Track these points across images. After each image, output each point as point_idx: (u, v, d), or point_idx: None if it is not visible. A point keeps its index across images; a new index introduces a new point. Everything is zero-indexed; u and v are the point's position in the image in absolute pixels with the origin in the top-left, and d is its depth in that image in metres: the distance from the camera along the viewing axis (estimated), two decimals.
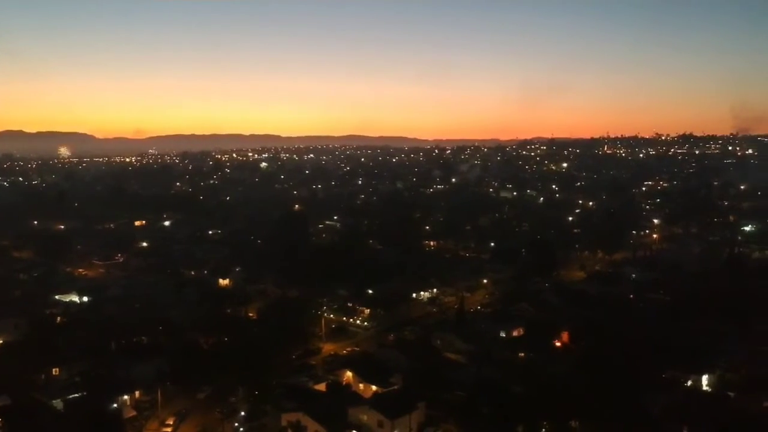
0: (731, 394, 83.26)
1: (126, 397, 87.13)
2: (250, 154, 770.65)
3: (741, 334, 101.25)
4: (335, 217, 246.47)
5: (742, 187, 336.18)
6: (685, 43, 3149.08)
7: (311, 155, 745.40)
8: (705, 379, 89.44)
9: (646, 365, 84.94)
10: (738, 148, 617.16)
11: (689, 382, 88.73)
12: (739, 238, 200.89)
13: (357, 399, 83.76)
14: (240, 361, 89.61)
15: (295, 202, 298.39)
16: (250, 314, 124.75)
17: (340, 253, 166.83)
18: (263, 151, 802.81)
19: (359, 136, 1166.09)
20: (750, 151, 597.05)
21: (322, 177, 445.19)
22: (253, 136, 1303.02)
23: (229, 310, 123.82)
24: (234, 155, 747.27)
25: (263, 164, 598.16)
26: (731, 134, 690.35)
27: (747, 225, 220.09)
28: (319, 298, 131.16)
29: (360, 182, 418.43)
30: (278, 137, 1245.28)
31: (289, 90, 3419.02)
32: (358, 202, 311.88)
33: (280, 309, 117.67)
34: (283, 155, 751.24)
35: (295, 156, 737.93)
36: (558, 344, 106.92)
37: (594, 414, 73.06)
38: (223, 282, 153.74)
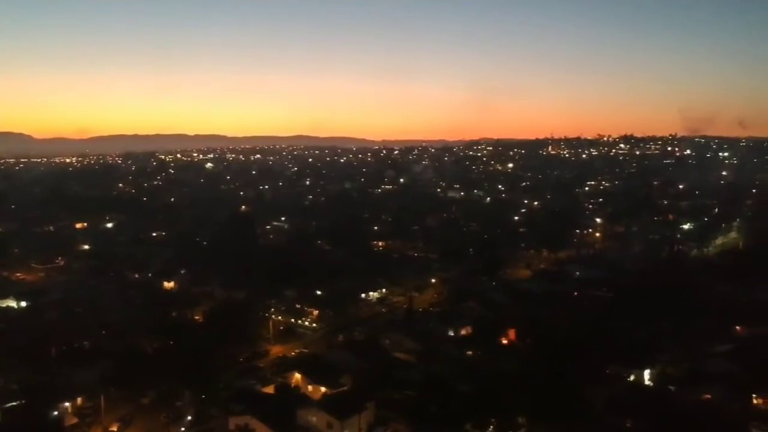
0: (672, 387, 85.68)
1: (67, 404, 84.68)
2: (195, 154, 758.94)
3: (680, 329, 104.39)
4: (283, 218, 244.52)
5: (680, 186, 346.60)
6: (627, 46, 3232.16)
7: (258, 156, 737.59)
8: (647, 374, 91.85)
9: (590, 361, 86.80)
10: (677, 149, 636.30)
11: (631, 377, 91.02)
12: (678, 236, 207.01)
13: (306, 401, 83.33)
14: (186, 365, 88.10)
15: (242, 203, 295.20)
16: (196, 317, 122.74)
17: (287, 254, 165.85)
18: (209, 151, 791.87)
19: (307, 136, 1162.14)
20: (688, 151, 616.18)
21: (269, 178, 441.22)
22: (198, 137, 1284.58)
23: (174, 313, 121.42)
24: (179, 156, 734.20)
25: (209, 165, 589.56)
26: (671, 135, 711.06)
27: (685, 223, 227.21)
28: (266, 299, 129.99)
29: (308, 183, 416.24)
30: (224, 137, 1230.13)
31: (235, 90, 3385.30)
32: (306, 202, 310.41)
33: (227, 311, 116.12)
34: (229, 156, 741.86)
35: (241, 156, 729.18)
36: (505, 342, 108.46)
37: (540, 409, 74.27)
38: (168, 284, 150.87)
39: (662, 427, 71.19)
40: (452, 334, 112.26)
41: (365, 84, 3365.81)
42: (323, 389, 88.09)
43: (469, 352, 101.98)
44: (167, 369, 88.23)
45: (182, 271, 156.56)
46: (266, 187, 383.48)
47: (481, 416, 74.58)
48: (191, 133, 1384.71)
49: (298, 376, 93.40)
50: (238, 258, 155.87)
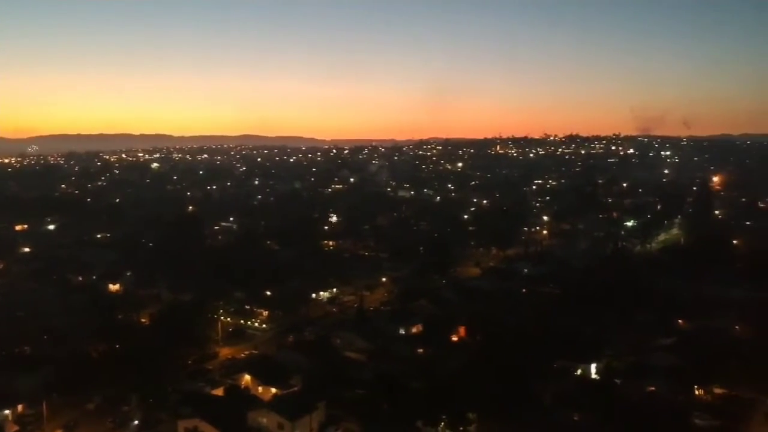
0: (617, 381, 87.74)
1: (7, 411, 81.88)
2: (141, 154, 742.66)
3: (625, 323, 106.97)
4: (231, 219, 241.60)
5: (624, 184, 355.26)
6: (572, 48, 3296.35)
7: (205, 155, 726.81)
8: (593, 368, 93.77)
9: (538, 356, 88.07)
10: (620, 148, 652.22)
11: (578, 371, 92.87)
12: (622, 233, 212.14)
13: (256, 402, 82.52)
14: (133, 369, 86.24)
15: (189, 203, 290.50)
16: (143, 320, 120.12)
17: (236, 254, 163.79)
18: (154, 151, 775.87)
19: (255, 135, 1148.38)
20: (631, 150, 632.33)
21: (217, 177, 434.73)
22: (143, 136, 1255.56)
23: (120, 316, 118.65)
24: (123, 156, 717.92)
25: (154, 165, 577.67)
26: (614, 135, 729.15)
27: (629, 220, 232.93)
28: (215, 301, 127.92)
29: (257, 183, 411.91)
30: (170, 137, 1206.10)
31: (181, 88, 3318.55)
32: (255, 202, 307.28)
33: (175, 313, 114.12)
34: (175, 155, 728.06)
35: (188, 156, 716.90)
36: (455, 339, 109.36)
37: (490, 405, 75.08)
38: (114, 287, 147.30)
39: (609, 419, 72.77)
40: (403, 333, 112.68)
41: (314, 84, 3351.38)
42: (274, 390, 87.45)
43: (420, 350, 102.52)
44: (113, 373, 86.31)
45: (128, 274, 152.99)
46: (214, 187, 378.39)
47: (433, 413, 75.05)
48: (136, 132, 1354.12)
49: (247, 377, 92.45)
50: (186, 259, 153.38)
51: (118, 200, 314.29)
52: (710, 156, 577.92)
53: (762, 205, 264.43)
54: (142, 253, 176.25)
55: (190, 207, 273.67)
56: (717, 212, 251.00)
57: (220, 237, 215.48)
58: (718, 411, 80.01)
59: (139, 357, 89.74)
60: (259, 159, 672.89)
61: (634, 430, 68.18)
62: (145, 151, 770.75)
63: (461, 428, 75.01)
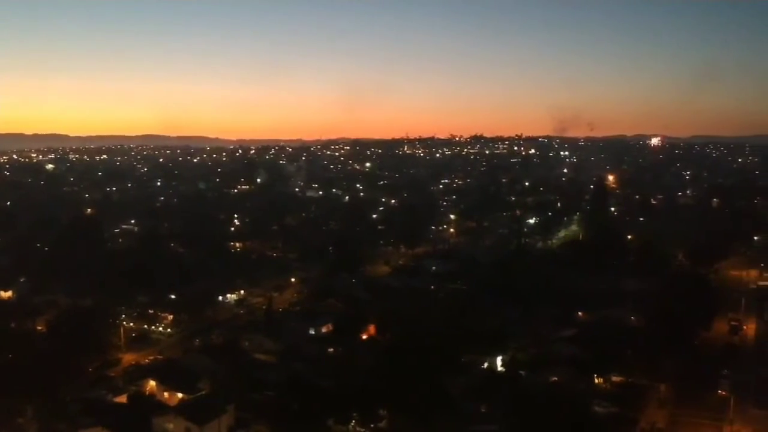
0: (522, 372, 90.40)
1: None
2: (34, 154, 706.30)
3: (528, 317, 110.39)
4: (133, 221, 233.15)
5: (526, 183, 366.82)
6: (476, 49, 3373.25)
7: (104, 156, 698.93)
8: (499, 361, 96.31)
9: (447, 351, 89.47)
10: (522, 149, 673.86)
11: (485, 364, 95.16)
12: (525, 229, 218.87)
13: (162, 408, 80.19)
14: (28, 378, 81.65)
15: (87, 205, 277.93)
16: (39, 327, 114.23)
17: (138, 257, 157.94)
18: (49, 151, 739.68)
19: (157, 135, 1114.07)
20: (532, 151, 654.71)
21: (117, 179, 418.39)
22: (36, 136, 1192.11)
23: (13, 324, 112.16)
24: (14, 156, 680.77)
25: (49, 166, 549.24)
26: (516, 136, 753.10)
27: (531, 218, 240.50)
28: (116, 306, 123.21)
29: (159, 184, 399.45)
30: (66, 137, 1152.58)
31: (78, 87, 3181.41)
32: (158, 204, 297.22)
33: (73, 320, 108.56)
34: (72, 156, 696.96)
35: (85, 157, 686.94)
36: (365, 337, 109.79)
37: (400, 401, 75.73)
38: (5, 294, 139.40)
39: (514, 409, 74.74)
40: (313, 333, 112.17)
41: (220, 83, 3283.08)
42: (180, 395, 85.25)
43: (331, 350, 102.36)
44: (6, 384, 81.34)
45: (21, 279, 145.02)
46: (114, 188, 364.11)
47: (343, 411, 75.03)
48: (29, 132, 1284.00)
49: (152, 383, 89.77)
50: (84, 263, 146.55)
51: (8, 203, 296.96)
52: (606, 156, 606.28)
53: (654, 202, 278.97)
54: (37, 258, 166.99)
55: (89, 209, 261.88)
56: (612, 209, 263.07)
57: (121, 240, 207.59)
58: (616, 398, 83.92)
59: (35, 366, 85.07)
60: (161, 159, 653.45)
61: (538, 420, 70.26)
62: (38, 152, 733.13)
63: (372, 425, 75.44)
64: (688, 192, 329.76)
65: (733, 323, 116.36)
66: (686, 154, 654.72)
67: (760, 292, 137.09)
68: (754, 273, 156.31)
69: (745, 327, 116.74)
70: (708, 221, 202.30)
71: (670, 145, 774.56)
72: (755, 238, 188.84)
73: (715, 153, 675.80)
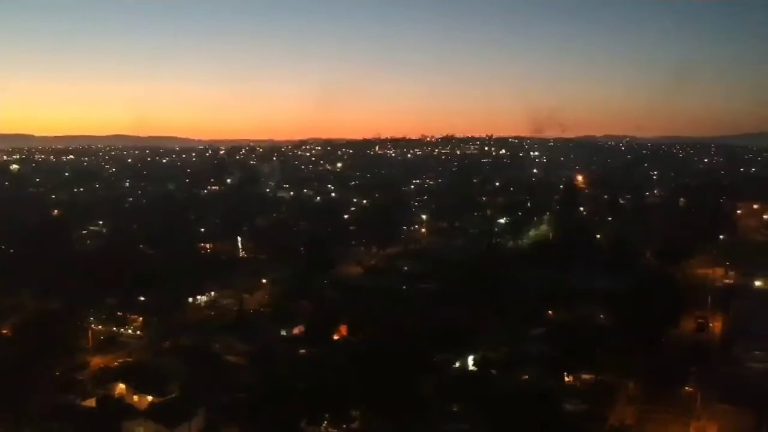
0: (493, 371, 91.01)
1: None
2: None
3: (500, 316, 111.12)
4: (101, 222, 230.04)
5: (497, 184, 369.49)
6: (446, 50, 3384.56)
7: (71, 156, 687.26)
8: (470, 360, 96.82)
9: (419, 350, 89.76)
10: (493, 149, 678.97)
11: (457, 364, 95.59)
12: (496, 229, 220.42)
13: (131, 411, 79.34)
14: None
15: (54, 206, 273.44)
16: (4, 331, 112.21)
17: (107, 259, 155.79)
18: (13, 152, 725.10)
19: (126, 136, 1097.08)
20: (503, 151, 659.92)
21: (84, 179, 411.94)
22: (0, 136, 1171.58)
23: None
24: None
25: (13, 166, 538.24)
26: (487, 136, 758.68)
27: (502, 218, 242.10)
28: (84, 308, 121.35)
29: (128, 184, 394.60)
30: (31, 137, 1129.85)
31: (43, 86, 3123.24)
32: (127, 205, 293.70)
33: (40, 323, 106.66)
34: (38, 156, 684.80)
35: (52, 157, 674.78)
36: (337, 337, 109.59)
37: (372, 401, 75.81)
38: None
39: (486, 408, 75.22)
40: (285, 334, 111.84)
41: (190, 83, 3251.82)
42: (150, 398, 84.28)
43: (303, 351, 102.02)
44: None
45: None
46: (81, 189, 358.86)
47: (315, 412, 74.83)
48: None
49: (122, 386, 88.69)
50: (51, 265, 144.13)
51: None
52: (576, 156, 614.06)
53: (622, 202, 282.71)
54: (1, 260, 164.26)
55: (55, 210, 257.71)
56: (582, 209, 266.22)
57: (88, 241, 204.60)
58: (585, 396, 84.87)
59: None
60: (130, 160, 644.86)
61: (509, 418, 70.82)
62: (2, 152, 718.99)
63: (344, 426, 75.38)
64: (655, 192, 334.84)
65: (699, 320, 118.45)
66: (654, 154, 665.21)
67: (726, 290, 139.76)
68: (720, 271, 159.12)
69: (711, 324, 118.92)
70: (675, 220, 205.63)
71: (638, 146, 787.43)
72: (721, 237, 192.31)
73: (681, 153, 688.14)
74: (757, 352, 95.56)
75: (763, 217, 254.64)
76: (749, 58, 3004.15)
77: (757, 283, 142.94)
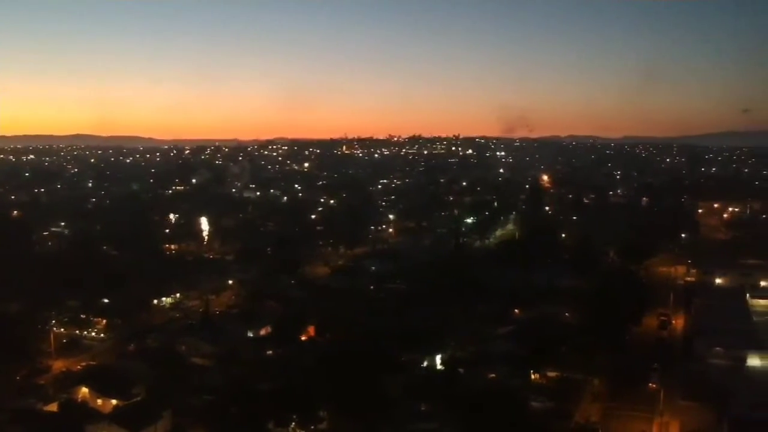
0: (460, 370, 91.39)
1: None
2: None
3: (467, 315, 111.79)
4: (63, 223, 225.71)
5: (464, 183, 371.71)
6: (413, 50, 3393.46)
7: (31, 156, 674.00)
8: (438, 359, 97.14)
9: (386, 350, 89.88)
10: (460, 149, 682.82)
11: (425, 363, 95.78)
12: (463, 229, 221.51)
13: (95, 415, 77.89)
14: None
15: (13, 207, 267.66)
16: None
17: (69, 261, 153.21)
18: None
19: (88, 135, 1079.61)
20: (470, 151, 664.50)
21: (45, 180, 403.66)
22: None
23: None
24: None
25: None
26: (454, 136, 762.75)
27: (469, 217, 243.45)
28: (46, 311, 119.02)
29: (90, 185, 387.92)
30: None
31: (0, 86, 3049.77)
32: (89, 206, 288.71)
33: None
34: None
35: (11, 157, 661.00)
36: (305, 338, 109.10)
37: (340, 401, 75.66)
38: None
39: (453, 407, 75.53)
40: (252, 335, 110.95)
41: (153, 82, 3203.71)
42: (114, 402, 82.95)
43: (270, 352, 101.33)
44: None
45: None
46: (42, 189, 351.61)
47: (283, 413, 74.40)
48: None
49: (85, 390, 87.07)
50: (11, 267, 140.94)
51: None
52: (541, 156, 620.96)
53: (586, 201, 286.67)
54: None
55: (15, 211, 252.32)
56: (547, 208, 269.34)
57: (50, 243, 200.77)
58: (552, 393, 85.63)
59: None
60: (92, 160, 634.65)
61: (477, 416, 71.21)
62: None
63: (312, 426, 75.08)
64: (619, 191, 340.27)
65: (662, 318, 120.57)
66: (617, 154, 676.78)
67: (687, 288, 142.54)
68: (681, 269, 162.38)
69: (673, 321, 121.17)
70: (638, 220, 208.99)
71: (601, 146, 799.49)
72: (683, 235, 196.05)
73: (644, 153, 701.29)
74: (718, 349, 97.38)
75: (723, 216, 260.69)
76: (711, 60, 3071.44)
77: (718, 281, 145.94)
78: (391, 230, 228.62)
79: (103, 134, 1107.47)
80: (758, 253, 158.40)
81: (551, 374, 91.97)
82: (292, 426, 74.85)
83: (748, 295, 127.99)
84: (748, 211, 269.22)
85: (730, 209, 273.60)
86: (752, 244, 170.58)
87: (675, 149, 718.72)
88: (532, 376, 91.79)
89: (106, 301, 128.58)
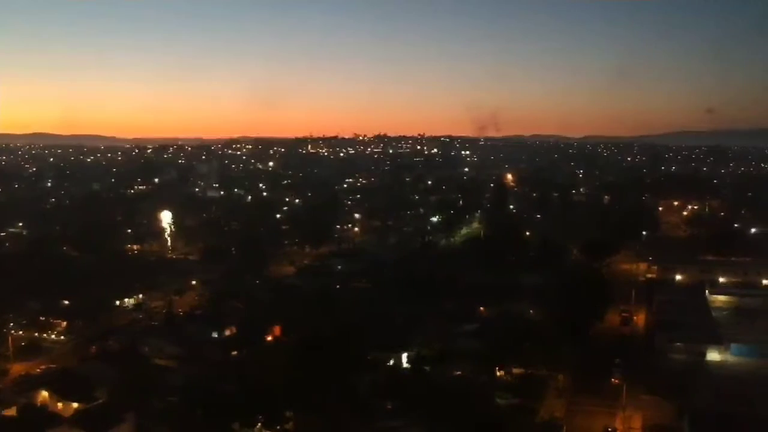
0: (426, 368, 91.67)
1: None
2: None
3: (433, 313, 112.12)
4: (21, 224, 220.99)
5: (429, 182, 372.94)
6: (379, 49, 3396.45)
7: None
8: (404, 357, 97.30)
9: (353, 349, 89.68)
10: (425, 148, 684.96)
11: (391, 362, 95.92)
12: (429, 227, 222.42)
13: (56, 419, 76.43)
14: None
15: None
16: None
17: (28, 262, 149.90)
18: None
19: (48, 134, 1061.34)
20: (435, 150, 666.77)
21: (2, 179, 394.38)
22: None
23: None
24: None
25: None
26: (419, 135, 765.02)
27: (434, 216, 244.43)
28: (3, 314, 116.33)
29: (50, 184, 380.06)
30: None
31: None
32: (49, 206, 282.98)
33: None
34: None
35: None
36: (270, 338, 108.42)
37: (306, 401, 75.30)
38: None
39: (419, 405, 75.70)
40: (216, 336, 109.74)
41: (115, 80, 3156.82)
42: (75, 405, 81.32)
43: (235, 352, 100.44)
44: None
45: None
46: None
47: (248, 414, 73.80)
48: None
49: (45, 393, 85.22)
50: None
51: None
52: (505, 155, 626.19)
53: (550, 199, 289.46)
54: None
55: None
56: (511, 206, 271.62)
57: (7, 244, 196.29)
58: (517, 389, 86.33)
59: None
60: (52, 159, 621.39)
61: (443, 414, 71.46)
62: None
63: (278, 426, 74.58)
64: (581, 190, 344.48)
65: (624, 314, 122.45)
66: (579, 153, 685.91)
67: (648, 284, 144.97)
68: (643, 266, 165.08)
69: (635, 317, 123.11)
70: (600, 218, 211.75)
71: (564, 145, 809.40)
72: (644, 233, 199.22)
73: (606, 152, 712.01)
74: (679, 344, 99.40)
75: (683, 214, 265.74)
76: (670, 61, 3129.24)
77: (678, 277, 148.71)
78: (357, 229, 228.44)
79: (63, 133, 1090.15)
80: (716, 250, 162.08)
81: (516, 371, 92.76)
82: (258, 427, 74.30)
83: (707, 290, 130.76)
84: (706, 209, 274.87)
85: (690, 207, 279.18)
86: (711, 240, 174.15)
87: (636, 148, 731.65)
88: (498, 373, 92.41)
89: (66, 302, 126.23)
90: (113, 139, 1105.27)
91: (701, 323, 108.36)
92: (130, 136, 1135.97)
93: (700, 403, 75.44)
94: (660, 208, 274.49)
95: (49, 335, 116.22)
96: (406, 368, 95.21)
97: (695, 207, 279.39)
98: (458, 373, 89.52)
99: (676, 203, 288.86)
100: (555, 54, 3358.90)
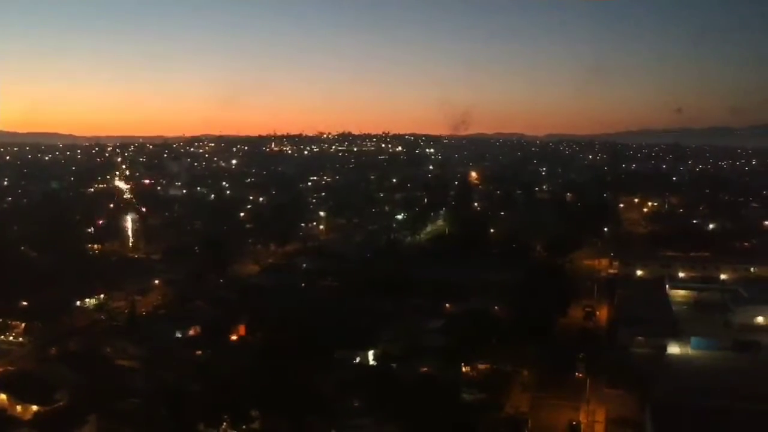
0: (393, 365, 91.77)
1: None
2: None
3: (399, 310, 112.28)
4: None
5: (394, 180, 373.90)
6: (345, 46, 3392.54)
7: None
8: (371, 355, 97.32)
9: (319, 348, 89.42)
10: (390, 146, 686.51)
11: (357, 359, 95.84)
12: (394, 225, 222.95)
13: (14, 422, 74.83)
14: None
15: None
16: None
17: None
18: None
19: (2, 132, 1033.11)
20: (399, 148, 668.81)
21: None
22: None
23: None
24: None
25: None
26: (384, 133, 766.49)
27: (400, 214, 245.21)
28: None
29: (6, 183, 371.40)
30: None
31: None
32: (5, 205, 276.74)
33: None
34: None
35: None
36: (235, 338, 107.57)
37: (272, 400, 74.82)
38: None
39: (386, 402, 75.74)
40: (180, 336, 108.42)
41: (74, 76, 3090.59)
42: (35, 408, 79.59)
43: (199, 352, 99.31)
44: None
45: None
46: None
47: (213, 414, 73.10)
48: None
49: (2, 396, 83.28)
50: None
51: None
52: (469, 153, 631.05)
53: (514, 197, 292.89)
54: None
55: None
56: (476, 204, 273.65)
57: None
58: (482, 385, 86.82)
59: None
60: (8, 157, 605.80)
61: (409, 410, 71.60)
62: None
63: (244, 427, 73.97)
64: (544, 187, 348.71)
65: (587, 309, 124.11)
66: (542, 151, 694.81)
67: (610, 280, 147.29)
68: (604, 262, 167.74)
69: (597, 312, 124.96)
70: (563, 215, 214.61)
71: (527, 143, 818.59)
72: (605, 229, 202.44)
73: (568, 150, 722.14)
74: (640, 338, 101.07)
75: (643, 210, 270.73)
76: (632, 60, 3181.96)
77: (639, 273, 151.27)
78: (322, 227, 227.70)
79: (20, 131, 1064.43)
80: (676, 245, 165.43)
81: (482, 366, 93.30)
82: (223, 426, 73.62)
83: (667, 285, 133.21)
84: (666, 205, 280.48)
85: (650, 203, 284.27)
86: (670, 236, 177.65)
87: (597, 146, 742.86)
88: (463, 369, 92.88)
89: (25, 303, 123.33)
90: (71, 137, 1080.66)
91: (662, 317, 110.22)
92: (89, 134, 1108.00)
93: (661, 395, 76.72)
94: (621, 205, 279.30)
95: (6, 337, 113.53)
96: (372, 366, 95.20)
97: (655, 204, 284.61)
98: (424, 369, 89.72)
99: (636, 200, 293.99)
100: (519, 53, 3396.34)
